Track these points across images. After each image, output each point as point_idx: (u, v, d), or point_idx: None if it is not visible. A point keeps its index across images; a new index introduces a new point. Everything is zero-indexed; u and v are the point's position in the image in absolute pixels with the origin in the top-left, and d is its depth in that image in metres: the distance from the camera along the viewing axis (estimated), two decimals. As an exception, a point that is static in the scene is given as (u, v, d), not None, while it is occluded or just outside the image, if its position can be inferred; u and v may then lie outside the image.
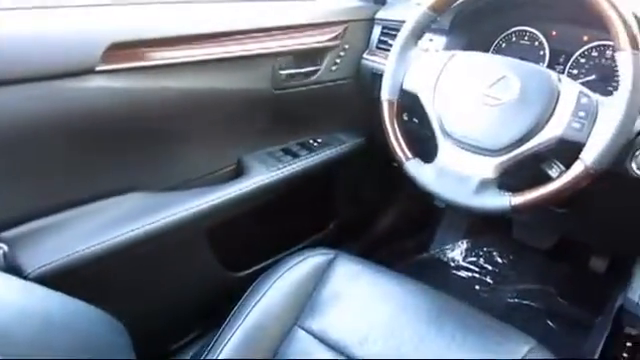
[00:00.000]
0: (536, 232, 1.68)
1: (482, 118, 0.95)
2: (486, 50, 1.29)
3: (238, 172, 1.28)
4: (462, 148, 0.96)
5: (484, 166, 0.93)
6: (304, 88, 1.33)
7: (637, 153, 0.98)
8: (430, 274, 1.76)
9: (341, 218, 1.62)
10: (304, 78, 1.32)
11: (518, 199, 0.90)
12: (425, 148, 1.03)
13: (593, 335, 1.07)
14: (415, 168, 1.01)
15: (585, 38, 1.18)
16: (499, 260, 1.81)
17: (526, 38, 1.26)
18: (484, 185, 0.92)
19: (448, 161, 0.97)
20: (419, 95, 1.03)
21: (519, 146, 0.91)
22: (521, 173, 0.94)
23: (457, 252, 1.85)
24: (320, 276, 1.08)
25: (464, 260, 1.83)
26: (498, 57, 1.05)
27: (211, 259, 1.26)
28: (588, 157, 0.85)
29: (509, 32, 1.27)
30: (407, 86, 1.05)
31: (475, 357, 0.92)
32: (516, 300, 1.68)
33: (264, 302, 1.02)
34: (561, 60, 1.21)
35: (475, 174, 0.93)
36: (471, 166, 0.94)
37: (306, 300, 1.04)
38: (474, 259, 1.82)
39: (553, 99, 0.90)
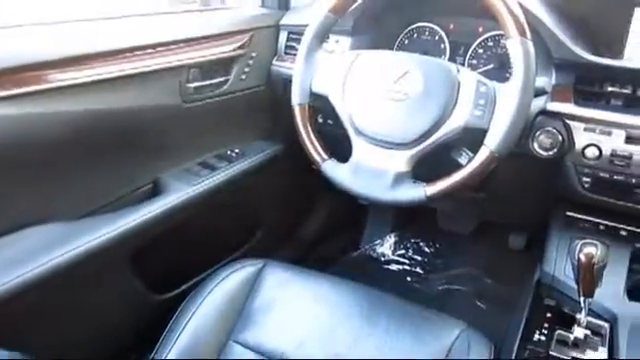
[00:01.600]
0: (457, 219, 1.75)
1: (390, 113, 0.97)
2: (390, 48, 1.33)
3: (155, 192, 1.24)
4: (375, 144, 0.98)
5: (397, 160, 0.95)
6: (215, 99, 1.31)
7: (537, 134, 1.05)
8: (362, 271, 1.79)
9: (268, 226, 1.61)
10: (214, 89, 1.30)
11: (433, 189, 0.93)
12: (342, 148, 1.04)
13: (517, 310, 1.13)
14: (331, 169, 1.02)
15: (480, 29, 1.24)
16: (427, 250, 1.86)
17: (427, 33, 1.31)
18: (399, 178, 0.95)
19: (362, 158, 0.99)
20: (329, 96, 1.04)
21: (428, 137, 0.94)
22: (434, 163, 0.97)
23: (386, 247, 1.88)
24: (250, 287, 1.07)
25: (394, 254, 1.86)
26: (401, 53, 1.09)
27: (136, 284, 1.21)
28: (492, 142, 0.89)
29: (410, 29, 1.32)
30: (316, 89, 1.06)
31: (408, 348, 0.94)
32: (446, 286, 1.73)
33: (195, 321, 0.99)
34: (461, 52, 1.26)
35: (389, 168, 0.95)
36: (385, 161, 0.96)
37: (238, 313, 1.03)
38: (403, 251, 1.86)
39: (454, 90, 0.94)
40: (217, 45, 1.28)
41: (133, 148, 1.19)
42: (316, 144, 1.05)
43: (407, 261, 1.84)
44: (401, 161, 0.95)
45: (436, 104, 0.94)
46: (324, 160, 1.03)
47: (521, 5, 0.96)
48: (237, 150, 1.43)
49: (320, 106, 1.09)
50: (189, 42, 1.21)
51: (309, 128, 1.06)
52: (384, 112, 0.98)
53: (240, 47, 1.32)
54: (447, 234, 1.82)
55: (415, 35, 1.32)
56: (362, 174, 0.98)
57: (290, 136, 1.09)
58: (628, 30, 1.07)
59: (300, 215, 1.82)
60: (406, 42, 1.32)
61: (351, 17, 1.24)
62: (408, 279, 1.77)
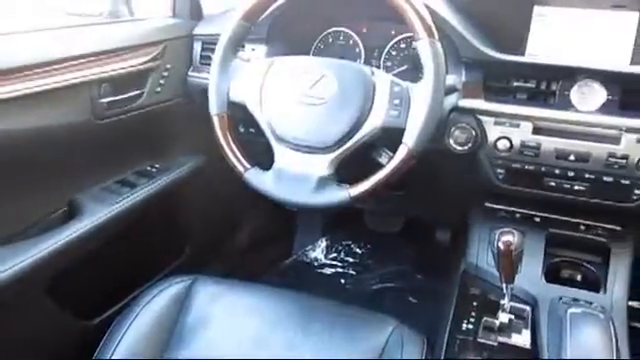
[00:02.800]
0: (385, 218, 1.78)
1: (309, 118, 0.98)
2: (307, 53, 1.34)
3: (71, 214, 1.18)
4: (296, 150, 0.98)
5: (319, 164, 0.96)
6: (131, 114, 1.26)
7: (452, 130, 1.09)
8: (296, 278, 1.79)
9: (197, 241, 1.57)
10: (129, 104, 1.25)
11: (356, 190, 0.94)
12: (267, 156, 1.03)
13: (446, 302, 1.16)
14: (255, 177, 1.01)
15: (393, 32, 1.27)
16: (358, 251, 1.89)
17: (341, 38, 1.33)
18: (323, 182, 0.95)
19: (285, 164, 0.98)
20: (247, 104, 1.03)
21: (348, 140, 0.95)
22: (357, 164, 0.98)
23: (318, 251, 1.89)
24: (180, 304, 1.04)
25: (326, 257, 1.88)
26: (316, 58, 1.09)
27: (59, 311, 1.14)
28: (409, 140, 0.92)
29: (325, 34, 1.33)
30: (234, 97, 1.04)
31: (343, 349, 0.94)
32: (379, 285, 1.76)
33: (124, 345, 0.95)
34: (375, 55, 1.29)
35: (312, 173, 0.96)
36: (307, 166, 0.97)
37: (169, 332, 0.99)
38: (335, 255, 1.88)
39: (370, 92, 0.96)
40: (129, 58, 1.23)
41: (44, 169, 1.13)
42: (237, 153, 1.03)
43: (340, 264, 1.86)
44: (323, 165, 0.96)
45: (353, 106, 0.95)
46: (246, 169, 1.02)
47: (428, 7, 0.99)
48: (158, 165, 1.39)
49: (240, 115, 1.07)
50: (99, 56, 1.16)
51: (229, 138, 1.04)
52: (303, 117, 0.98)
53: (153, 59, 1.29)
54: (376, 234, 1.86)
55: (330, 40, 1.33)
56: (285, 180, 0.98)
57: (212, 147, 1.07)
58: (529, 27, 1.13)
59: (229, 227, 1.79)
60: (322, 47, 1.34)
61: (265, 24, 1.23)
62: (342, 281, 1.79)
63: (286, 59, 1.06)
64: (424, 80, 0.93)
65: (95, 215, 1.16)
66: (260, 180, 1.00)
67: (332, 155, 0.96)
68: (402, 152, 0.92)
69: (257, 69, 1.04)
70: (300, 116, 0.99)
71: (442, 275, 1.42)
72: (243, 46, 1.26)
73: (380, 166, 0.97)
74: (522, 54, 1.13)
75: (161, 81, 1.32)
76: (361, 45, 1.30)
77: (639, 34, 1.07)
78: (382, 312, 1.04)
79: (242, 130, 1.27)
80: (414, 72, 1.24)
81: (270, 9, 1.08)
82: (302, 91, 0.99)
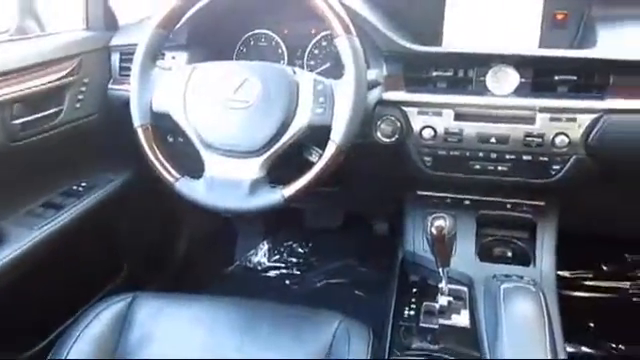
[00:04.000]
0: (324, 215, 1.80)
1: (235, 123, 0.97)
2: (230, 58, 1.33)
3: None
4: (226, 155, 0.97)
5: (250, 167, 0.96)
6: (51, 132, 1.21)
7: (378, 123, 1.11)
8: (241, 284, 1.78)
9: (135, 257, 1.53)
10: (47, 122, 1.20)
11: (289, 190, 0.95)
12: (198, 165, 1.02)
13: (388, 292, 1.19)
14: (185, 186, 0.99)
15: (313, 31, 1.28)
16: (301, 250, 1.89)
17: (263, 40, 1.32)
18: (255, 185, 0.95)
19: (216, 171, 0.97)
20: (171, 114, 1.01)
21: (277, 141, 0.95)
22: (289, 165, 0.99)
23: (261, 255, 1.88)
24: (121, 324, 1.01)
25: (269, 260, 1.87)
26: (237, 62, 1.09)
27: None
28: (336, 137, 0.93)
29: (246, 37, 1.33)
30: (157, 107, 1.02)
31: (292, 349, 0.95)
32: (325, 281, 1.78)
33: None
34: (298, 54, 1.30)
35: (244, 177, 0.95)
36: (239, 170, 0.96)
37: (113, 353, 0.96)
38: (278, 256, 1.88)
39: (294, 91, 0.96)
40: (42, 75, 1.18)
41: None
42: (166, 164, 1.01)
43: (283, 265, 1.86)
44: (254, 168, 0.96)
45: (279, 108, 0.96)
46: (176, 179, 1.00)
47: (344, 5, 1.01)
48: (85, 184, 1.34)
49: (167, 125, 1.05)
50: (6, 75, 1.11)
51: (156, 149, 1.02)
52: (229, 122, 0.97)
53: (69, 74, 1.23)
54: (318, 231, 1.87)
55: (252, 43, 1.33)
56: (218, 187, 0.97)
57: (140, 160, 1.04)
58: (443, 18, 1.17)
59: (167, 239, 1.75)
60: (244, 50, 1.33)
61: (184, 31, 1.21)
62: (287, 282, 1.80)
63: (207, 65, 1.05)
64: (345, 76, 0.94)
65: (21, 241, 1.11)
66: (191, 189, 0.99)
67: (262, 158, 0.96)
68: (330, 149, 0.94)
69: (179, 77, 1.02)
70: (226, 121, 0.98)
71: (384, 266, 1.45)
72: (163, 54, 1.23)
73: (312, 164, 0.98)
74: (439, 44, 1.17)
75: (80, 96, 1.27)
76: (283, 46, 1.30)
77: (544, 19, 1.14)
78: (329, 308, 1.05)
79: (171, 140, 1.24)
80: (337, 69, 1.24)
81: (187, 15, 1.07)
82: (226, 96, 0.98)
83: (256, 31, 1.32)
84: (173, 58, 1.25)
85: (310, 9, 0.98)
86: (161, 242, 1.73)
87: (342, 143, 0.93)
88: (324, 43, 1.28)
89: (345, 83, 0.94)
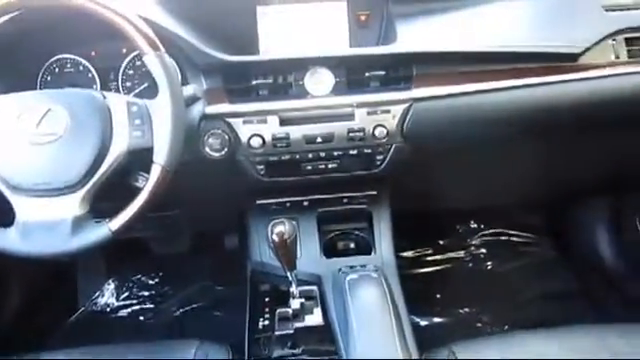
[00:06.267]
0: (170, 240, 1.73)
1: (44, 159, 0.88)
2: (33, 88, 1.20)
3: None
4: (39, 196, 0.88)
5: (69, 204, 0.88)
6: None
7: (206, 138, 1.08)
8: (89, 332, 1.63)
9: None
10: None
11: (117, 222, 0.89)
12: (6, 212, 0.90)
13: (243, 306, 1.17)
14: None
15: (124, 50, 1.21)
16: (151, 282, 1.79)
17: (69, 65, 1.22)
18: (78, 223, 0.88)
19: (30, 215, 0.88)
20: None
21: (94, 172, 0.89)
22: (116, 195, 0.92)
23: (108, 295, 1.75)
24: None
25: (118, 299, 1.75)
26: (37, 92, 1.00)
27: None
28: (160, 158, 0.89)
29: (49, 64, 1.21)
30: None
31: None
32: (181, 309, 1.71)
33: None
34: (111, 77, 1.22)
35: (64, 216, 0.87)
36: (57, 210, 0.88)
37: None
38: (127, 293, 1.76)
39: (106, 117, 0.91)
40: None
41: None
42: None
43: (135, 301, 1.75)
44: (74, 204, 0.88)
45: (92, 136, 0.89)
46: None
47: (149, 21, 0.98)
48: None
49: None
50: None
51: None
52: (37, 159, 0.88)
53: None
54: (167, 258, 1.79)
55: (57, 70, 1.22)
56: (35, 232, 0.87)
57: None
58: (257, 27, 1.19)
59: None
60: (49, 79, 1.21)
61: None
62: (141, 319, 1.69)
63: (3, 99, 0.94)
64: (160, 94, 0.91)
65: None
66: (3, 239, 0.88)
67: (82, 192, 0.89)
68: (156, 172, 0.89)
69: None
70: (35, 158, 0.89)
71: (238, 281, 1.43)
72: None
73: (140, 191, 0.93)
74: (257, 53, 1.18)
75: None
76: (93, 69, 1.21)
77: (350, 20, 1.20)
78: (188, 335, 1.01)
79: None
80: (154, 88, 1.20)
81: None
82: (30, 130, 0.89)
83: (59, 56, 1.21)
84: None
85: (113, 29, 0.92)
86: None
87: (167, 164, 0.89)
88: (138, 62, 1.22)
89: (161, 102, 0.91)
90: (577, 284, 1.75)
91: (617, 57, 1.18)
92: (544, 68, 1.14)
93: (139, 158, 0.92)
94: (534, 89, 1.13)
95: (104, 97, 0.93)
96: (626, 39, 1.19)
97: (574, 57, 1.15)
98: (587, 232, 1.74)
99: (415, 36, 1.15)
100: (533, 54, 1.14)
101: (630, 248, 1.60)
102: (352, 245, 1.25)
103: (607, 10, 1.20)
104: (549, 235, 1.95)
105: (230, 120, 1.09)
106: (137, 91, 1.21)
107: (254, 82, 1.12)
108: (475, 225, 1.97)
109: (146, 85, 1.22)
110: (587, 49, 1.16)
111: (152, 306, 1.72)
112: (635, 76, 1.18)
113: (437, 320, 1.67)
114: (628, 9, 1.22)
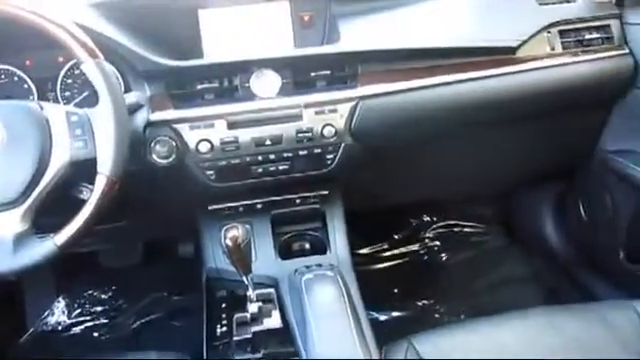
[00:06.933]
0: (120, 252, 1.68)
1: None
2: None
3: None
4: None
5: (9, 221, 0.85)
6: None
7: (152, 145, 1.06)
8: (40, 353, 1.57)
9: None
10: None
11: (62, 236, 0.86)
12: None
13: (200, 314, 1.16)
14: None
15: (61, 59, 1.17)
16: (104, 296, 1.74)
17: (3, 76, 1.17)
18: (20, 240, 0.84)
19: None
20: None
21: (35, 186, 0.86)
22: (59, 209, 0.89)
23: (58, 314, 1.68)
24: None
25: (70, 317, 1.68)
26: None
27: None
28: (105, 168, 0.87)
29: (-21, 75, 1.16)
30: None
31: None
32: (138, 322, 1.66)
33: None
34: (49, 87, 1.18)
35: (4, 234, 0.84)
36: None
37: None
38: (79, 310, 1.70)
39: (45, 128, 0.88)
40: None
41: None
42: None
43: (88, 317, 1.69)
44: (15, 221, 0.85)
45: (30, 149, 0.86)
46: None
47: (86, 28, 0.95)
48: None
49: None
50: None
51: None
52: None
53: None
54: (119, 270, 1.74)
55: (-11, 81, 1.17)
56: None
57: None
58: (199, 31, 1.17)
59: None
60: None
61: None
62: (95, 335, 1.63)
63: None
64: (101, 103, 0.89)
65: None
66: None
67: (23, 207, 0.85)
68: (101, 182, 0.87)
69: None
70: None
71: (194, 289, 1.40)
72: None
73: (85, 203, 0.90)
74: (201, 57, 1.16)
75: None
76: (29, 80, 1.17)
77: (294, 21, 1.20)
78: (146, 347, 0.98)
79: None
80: (95, 97, 1.17)
81: None
82: None
83: None
84: None
85: (48, 37, 0.89)
86: None
87: (112, 174, 0.87)
88: (77, 71, 1.18)
89: (102, 110, 0.88)
90: (528, 270, 1.81)
91: (552, 49, 1.24)
92: (484, 62, 1.18)
93: (83, 169, 0.89)
94: (475, 83, 1.16)
95: (41, 108, 0.90)
96: (560, 31, 1.24)
97: (512, 50, 1.20)
98: (534, 219, 1.80)
99: (359, 35, 1.16)
100: (473, 49, 1.18)
101: (575, 231, 1.67)
102: (307, 245, 1.25)
103: (541, 4, 1.26)
104: (499, 224, 2.00)
105: (176, 126, 1.07)
106: (77, 100, 1.17)
107: (199, 86, 1.10)
108: (428, 218, 2.00)
109: (86, 94, 1.18)
110: (524, 42, 1.21)
111: (106, 321, 1.67)
112: (569, 66, 1.24)
113: (396, 314, 1.69)
114: (561, 2, 1.28)
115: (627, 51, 1.27)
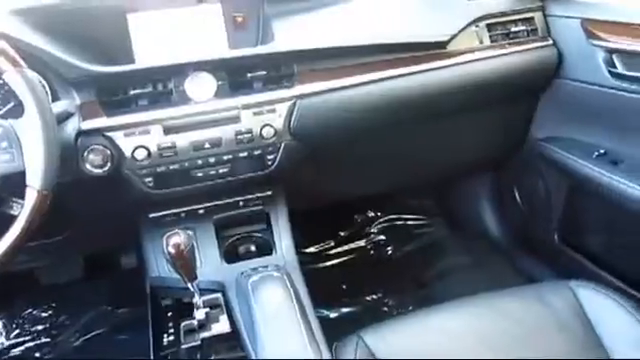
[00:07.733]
0: (59, 267, 1.62)
1: None
2: None
3: None
4: None
5: None
6: None
7: (85, 155, 1.03)
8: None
9: None
10: None
11: None
12: None
13: (145, 326, 1.13)
14: None
15: None
16: (44, 314, 1.67)
17: None
18: None
19: None
20: None
21: None
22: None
23: (-5, 336, 1.61)
24: None
25: (9, 338, 1.60)
26: None
27: None
28: (35, 181, 0.83)
29: None
30: None
31: None
32: (81, 339, 1.62)
33: None
34: None
35: None
36: None
37: None
38: (18, 330, 1.63)
39: None
40: None
41: None
42: None
43: (29, 337, 1.62)
44: None
45: None
46: None
47: (8, 36, 0.92)
48: None
49: None
50: None
51: None
52: None
53: None
54: (58, 287, 1.67)
55: None
56: None
57: None
58: (129, 35, 1.14)
59: None
60: None
61: None
62: (37, 355, 1.56)
63: None
64: (27, 113, 0.85)
65: None
66: None
67: None
68: (31, 196, 0.83)
69: None
70: None
71: (140, 300, 1.37)
72: None
73: (15, 219, 0.86)
74: (133, 62, 1.13)
75: None
76: None
77: (227, 23, 1.19)
78: None
79: None
80: (21, 107, 1.12)
81: None
82: None
83: None
84: None
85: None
86: None
87: (43, 187, 0.83)
88: (1, 81, 1.13)
89: (28, 121, 0.85)
90: (471, 258, 1.86)
91: (481, 42, 1.28)
92: (417, 57, 1.21)
93: (11, 184, 0.85)
94: (408, 78, 1.19)
95: None
96: (487, 25, 1.29)
97: (442, 45, 1.24)
98: (473, 207, 1.86)
99: (293, 34, 1.17)
100: (406, 44, 1.21)
101: (513, 218, 1.74)
102: (253, 248, 1.24)
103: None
104: (441, 215, 2.06)
105: (109, 134, 1.04)
106: (1, 112, 1.12)
107: (132, 92, 1.07)
108: (372, 214, 2.03)
109: (11, 105, 1.12)
110: (454, 36, 1.25)
111: (48, 340, 1.60)
112: (497, 59, 1.29)
113: (345, 310, 1.70)
114: (488, -3, 1.33)
115: (551, 42, 1.33)
